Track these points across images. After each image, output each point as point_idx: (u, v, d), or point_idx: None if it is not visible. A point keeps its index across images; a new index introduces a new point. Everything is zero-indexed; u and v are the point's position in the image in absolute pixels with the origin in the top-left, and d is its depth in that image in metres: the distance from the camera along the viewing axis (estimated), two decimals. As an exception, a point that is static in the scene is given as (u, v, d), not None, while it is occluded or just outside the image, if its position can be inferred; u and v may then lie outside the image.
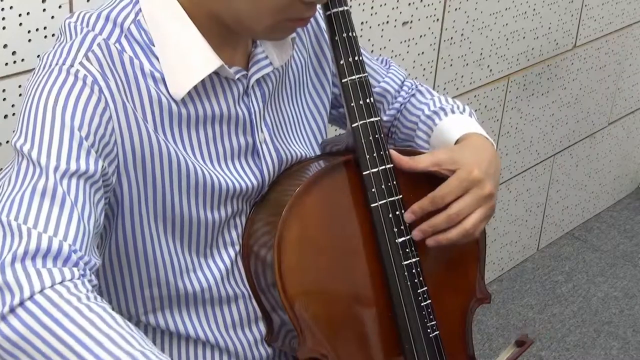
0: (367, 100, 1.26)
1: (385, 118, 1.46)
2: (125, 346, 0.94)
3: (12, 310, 0.95)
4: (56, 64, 1.10)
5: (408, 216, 1.26)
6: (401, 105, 1.46)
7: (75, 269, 1.00)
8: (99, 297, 0.99)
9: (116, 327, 0.96)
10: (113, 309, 1.00)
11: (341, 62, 1.26)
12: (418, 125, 1.42)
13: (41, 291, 0.96)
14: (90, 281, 1.01)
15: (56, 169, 1.04)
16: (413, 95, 1.46)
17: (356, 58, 1.26)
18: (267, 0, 1.11)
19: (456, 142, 1.34)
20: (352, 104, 1.25)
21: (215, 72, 1.17)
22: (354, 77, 1.26)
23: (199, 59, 1.15)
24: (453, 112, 1.40)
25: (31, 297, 0.95)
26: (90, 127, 1.08)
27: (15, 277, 0.96)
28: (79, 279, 0.99)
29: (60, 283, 0.97)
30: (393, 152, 1.27)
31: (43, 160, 1.04)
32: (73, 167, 1.05)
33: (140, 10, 1.15)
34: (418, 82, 1.51)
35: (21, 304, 0.95)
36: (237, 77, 1.20)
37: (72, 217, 1.03)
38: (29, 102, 1.09)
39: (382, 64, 1.49)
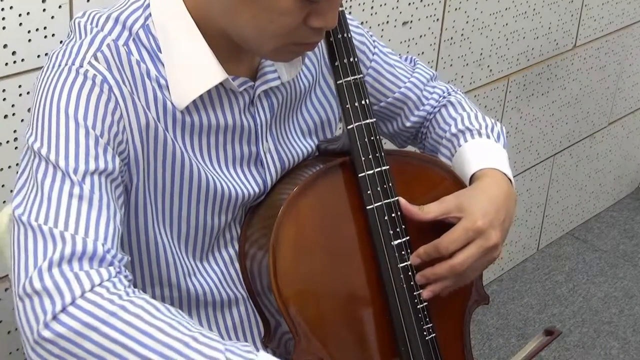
0: (363, 102, 1.25)
1: (407, 124, 1.45)
2: (175, 333, 0.96)
3: (54, 317, 0.96)
4: (65, 64, 1.11)
5: (414, 260, 1.26)
6: (430, 114, 1.45)
7: (111, 268, 1.01)
8: (137, 291, 1.01)
9: (162, 316, 0.98)
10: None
11: (336, 64, 1.25)
12: (443, 142, 1.40)
13: (82, 295, 0.97)
14: (126, 277, 1.03)
15: (76, 169, 1.05)
16: (444, 105, 1.45)
17: (351, 59, 1.25)
18: (270, 25, 1.10)
19: (471, 177, 1.33)
20: (347, 106, 1.25)
21: (221, 83, 1.17)
22: (349, 79, 1.25)
23: (203, 71, 1.15)
24: (480, 134, 1.38)
25: (73, 302, 0.97)
26: (104, 125, 1.09)
27: (54, 283, 0.97)
28: (115, 277, 1.01)
29: (100, 284, 0.99)
30: (402, 201, 1.26)
31: (62, 162, 1.05)
32: (92, 166, 1.06)
33: (150, 15, 1.15)
34: (452, 87, 1.48)
35: (63, 309, 0.96)
36: (242, 89, 1.20)
37: (100, 216, 1.04)
38: (40, 103, 1.10)
39: (409, 63, 1.47)
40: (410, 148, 1.50)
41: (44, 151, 1.06)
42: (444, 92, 1.46)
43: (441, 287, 1.26)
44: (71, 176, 1.05)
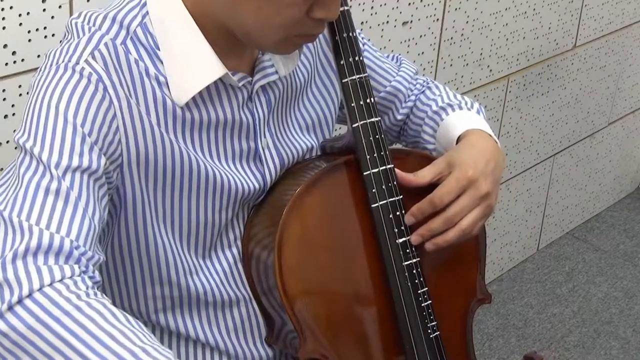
0: (368, 101, 1.26)
1: (398, 117, 1.46)
2: (125, 342, 0.94)
3: (10, 307, 0.95)
4: (62, 61, 1.10)
5: (408, 218, 1.26)
6: (413, 103, 1.47)
7: (76, 266, 1.00)
8: (99, 293, 0.99)
9: (116, 323, 0.96)
10: (115, 305, 1.01)
11: (341, 62, 1.26)
12: (425, 121, 1.42)
13: (40, 289, 0.96)
14: (91, 277, 1.01)
15: (58, 164, 1.04)
16: (423, 92, 1.47)
17: (357, 58, 1.26)
18: (275, 17, 1.10)
19: (458, 139, 1.35)
20: (352, 104, 1.25)
21: (219, 79, 1.17)
22: (354, 77, 1.26)
23: (203, 66, 1.15)
24: (460, 108, 1.40)
25: (30, 295, 0.95)
26: (94, 125, 1.08)
27: (15, 274, 0.96)
28: (79, 275, 0.99)
29: (60, 281, 0.97)
30: (398, 172, 1.27)
31: (45, 156, 1.04)
32: (75, 162, 1.05)
33: (147, 13, 1.15)
34: (430, 79, 1.51)
35: (20, 301, 0.95)
36: (241, 84, 1.20)
37: (75, 212, 1.03)
38: (33, 99, 1.09)
39: (393, 61, 1.49)
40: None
41: (29, 144, 1.06)
42: (423, 83, 1.49)
43: (443, 240, 1.26)
44: (52, 170, 1.04)
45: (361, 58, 1.26)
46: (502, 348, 2.74)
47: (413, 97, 1.46)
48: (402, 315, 1.27)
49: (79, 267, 1.00)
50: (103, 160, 1.09)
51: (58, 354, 0.93)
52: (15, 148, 1.59)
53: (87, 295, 0.97)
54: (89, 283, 0.99)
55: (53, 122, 1.07)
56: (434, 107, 1.41)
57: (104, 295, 1.00)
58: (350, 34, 1.25)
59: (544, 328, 2.84)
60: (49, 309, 0.95)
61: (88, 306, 0.96)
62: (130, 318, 0.98)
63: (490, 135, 1.35)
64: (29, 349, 0.94)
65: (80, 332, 0.94)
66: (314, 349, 1.21)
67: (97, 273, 1.03)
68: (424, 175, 1.28)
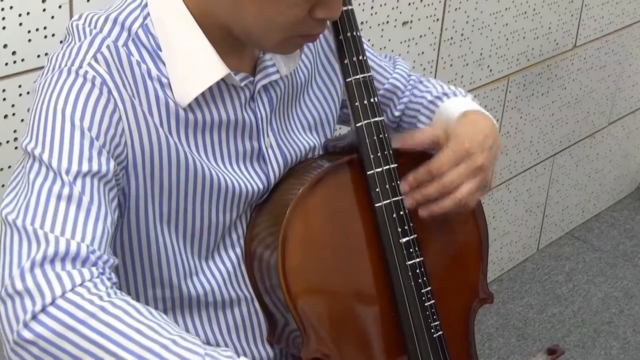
0: (372, 100, 1.26)
1: (396, 113, 1.47)
2: (154, 336, 0.95)
3: (34, 316, 0.95)
4: (65, 65, 1.10)
5: (403, 186, 1.26)
6: (408, 98, 1.47)
7: (94, 269, 1.00)
8: (119, 292, 1.00)
9: (142, 318, 0.96)
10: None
11: (345, 62, 1.26)
12: (420, 112, 1.42)
13: (62, 295, 0.96)
14: (109, 279, 1.01)
15: (69, 170, 1.04)
16: (416, 87, 1.47)
17: (360, 57, 1.26)
18: (278, 17, 1.10)
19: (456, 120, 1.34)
20: (356, 104, 1.26)
21: (222, 79, 1.17)
22: (358, 77, 1.26)
23: (205, 67, 1.15)
24: (455, 95, 1.41)
25: (53, 302, 0.95)
26: (101, 128, 1.08)
27: (35, 282, 0.96)
28: (98, 277, 0.99)
29: (81, 284, 0.97)
30: (396, 137, 1.27)
31: (55, 162, 1.04)
32: (85, 167, 1.05)
33: (148, 14, 1.15)
34: (422, 75, 1.52)
35: (43, 309, 0.95)
36: (243, 84, 1.20)
37: (88, 217, 1.03)
38: (38, 104, 1.09)
39: (388, 60, 1.49)
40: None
41: (37, 151, 1.06)
42: (417, 78, 1.49)
43: (438, 208, 1.25)
44: (62, 176, 1.04)
45: (365, 57, 1.26)
46: (502, 348, 2.74)
47: (408, 93, 1.47)
48: (405, 314, 1.27)
49: (97, 270, 1.00)
50: (112, 163, 1.09)
51: (89, 356, 0.94)
52: (16, 148, 1.60)
53: (109, 295, 0.98)
54: (108, 284, 1.00)
55: (60, 128, 1.06)
56: (429, 97, 1.42)
57: (124, 294, 1.00)
58: (355, 33, 1.26)
59: (544, 328, 2.84)
60: (74, 313, 0.95)
61: (112, 305, 0.96)
62: (154, 311, 0.99)
63: (489, 117, 1.35)
64: (59, 354, 0.94)
65: (109, 331, 0.94)
66: (317, 348, 1.21)
67: (113, 275, 1.03)
68: (421, 138, 1.27)
